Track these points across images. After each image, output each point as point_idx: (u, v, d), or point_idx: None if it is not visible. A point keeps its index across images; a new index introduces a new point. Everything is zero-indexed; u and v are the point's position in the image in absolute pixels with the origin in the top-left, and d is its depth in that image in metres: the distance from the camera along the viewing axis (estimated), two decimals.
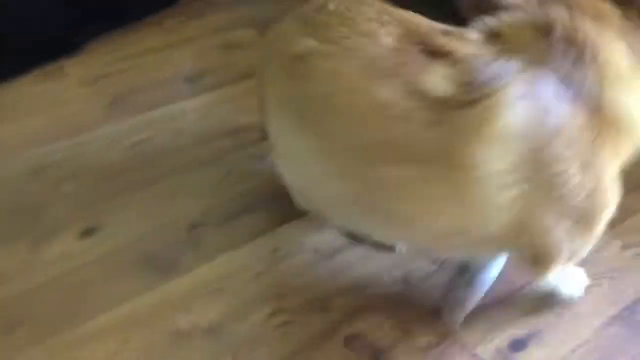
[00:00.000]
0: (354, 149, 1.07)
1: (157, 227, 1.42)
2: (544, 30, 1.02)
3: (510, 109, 0.97)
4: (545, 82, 0.99)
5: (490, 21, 1.08)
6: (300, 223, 1.42)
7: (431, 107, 0.99)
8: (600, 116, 1.01)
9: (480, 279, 1.28)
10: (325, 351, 1.21)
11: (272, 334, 1.23)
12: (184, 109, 1.73)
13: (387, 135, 1.03)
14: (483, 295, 1.26)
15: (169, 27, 2.07)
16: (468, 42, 1.04)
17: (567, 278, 1.27)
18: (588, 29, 1.02)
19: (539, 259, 1.09)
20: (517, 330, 1.23)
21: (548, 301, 1.27)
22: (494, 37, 1.05)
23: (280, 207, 1.42)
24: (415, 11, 1.11)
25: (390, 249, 1.34)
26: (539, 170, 0.99)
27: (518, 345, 1.21)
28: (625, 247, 1.39)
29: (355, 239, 1.37)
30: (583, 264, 1.34)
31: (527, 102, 0.98)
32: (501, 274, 1.28)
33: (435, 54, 1.02)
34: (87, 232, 1.41)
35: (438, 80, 1.00)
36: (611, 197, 1.07)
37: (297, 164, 1.19)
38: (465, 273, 1.29)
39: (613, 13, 1.06)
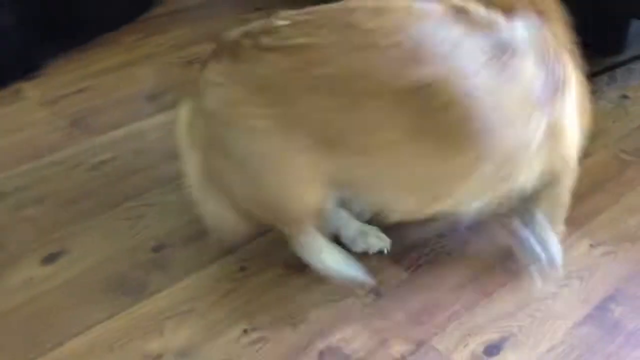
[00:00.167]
0: None
1: (122, 250, 1.40)
2: None
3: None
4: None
5: None
6: (268, 238, 1.40)
7: None
8: None
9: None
10: None
11: (246, 352, 1.21)
12: (146, 127, 1.71)
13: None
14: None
15: (128, 44, 2.05)
16: None
17: (548, 241, 1.31)
18: None
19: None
20: (490, 335, 1.23)
21: (521, 304, 1.28)
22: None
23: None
24: None
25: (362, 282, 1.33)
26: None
27: (492, 349, 1.21)
28: (593, 246, 1.40)
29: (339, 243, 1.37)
30: (552, 262, 1.35)
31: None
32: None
33: None
34: (51, 257, 1.39)
35: None
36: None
37: None
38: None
39: None
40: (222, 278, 1.34)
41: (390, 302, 1.29)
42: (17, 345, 1.22)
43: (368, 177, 1.18)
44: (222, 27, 2.06)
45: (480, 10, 1.12)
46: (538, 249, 1.32)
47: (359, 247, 1.38)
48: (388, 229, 1.37)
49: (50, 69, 1.91)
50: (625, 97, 1.82)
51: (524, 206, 1.30)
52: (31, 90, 1.84)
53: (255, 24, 1.18)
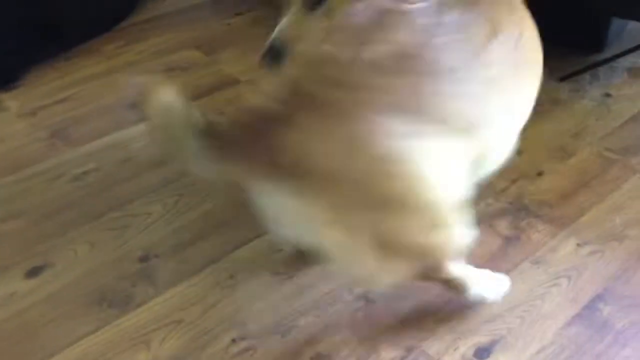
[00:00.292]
0: None
1: (107, 261, 1.39)
2: None
3: None
4: None
5: None
6: (255, 245, 1.39)
7: None
8: None
9: None
10: None
11: None
12: (129, 136, 1.69)
13: None
14: None
15: (109, 52, 2.03)
16: None
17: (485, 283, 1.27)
18: None
19: None
20: (480, 338, 1.23)
21: (509, 305, 1.28)
22: None
23: (233, 232, 1.40)
24: None
25: None
26: None
27: (483, 352, 1.21)
28: (580, 245, 1.40)
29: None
30: (540, 263, 1.35)
31: None
32: None
33: None
34: (35, 271, 1.37)
35: None
36: None
37: None
38: None
39: None
40: (210, 287, 1.33)
41: (380, 308, 1.29)
42: None
43: None
44: (204, 34, 2.07)
45: None
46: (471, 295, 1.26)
47: None
48: None
49: (29, 79, 1.89)
50: (608, 95, 1.83)
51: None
52: (10, 101, 1.82)
53: None
